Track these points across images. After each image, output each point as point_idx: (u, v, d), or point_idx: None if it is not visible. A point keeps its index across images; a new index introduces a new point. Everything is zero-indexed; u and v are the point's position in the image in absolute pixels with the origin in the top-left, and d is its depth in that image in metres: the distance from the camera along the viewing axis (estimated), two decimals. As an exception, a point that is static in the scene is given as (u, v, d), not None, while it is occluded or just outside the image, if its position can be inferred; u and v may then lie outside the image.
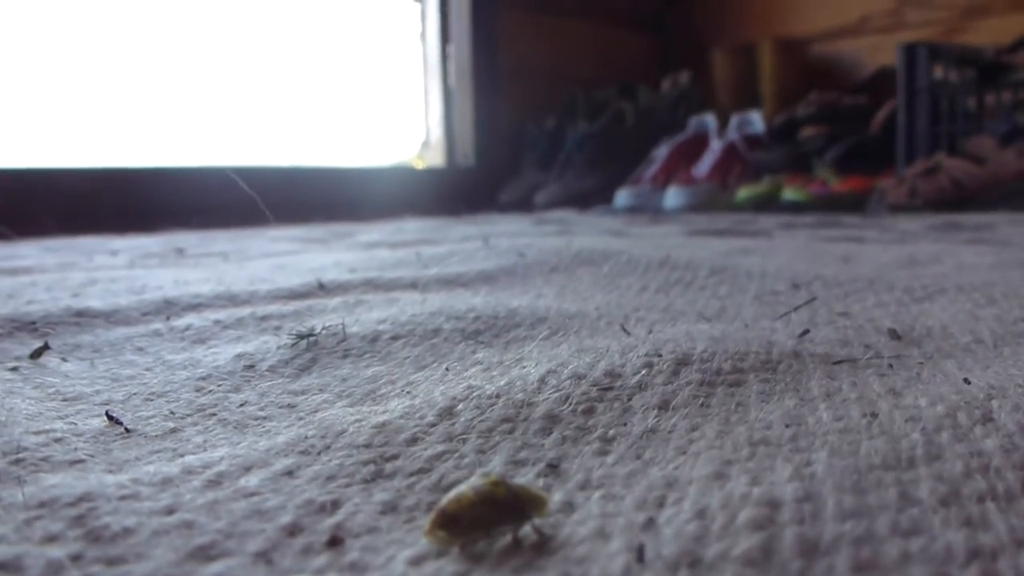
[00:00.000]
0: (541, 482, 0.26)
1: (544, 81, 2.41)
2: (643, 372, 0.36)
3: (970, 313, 0.52)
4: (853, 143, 1.82)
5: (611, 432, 0.30)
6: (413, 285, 0.67)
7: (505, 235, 1.19)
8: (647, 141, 2.15)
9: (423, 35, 2.34)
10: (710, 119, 2.09)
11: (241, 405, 0.36)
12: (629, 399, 0.33)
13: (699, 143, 2.05)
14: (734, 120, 2.06)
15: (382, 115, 2.38)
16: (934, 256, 0.83)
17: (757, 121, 2.04)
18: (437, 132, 2.36)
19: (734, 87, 2.36)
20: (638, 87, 2.30)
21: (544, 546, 0.21)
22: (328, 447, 0.29)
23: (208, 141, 1.96)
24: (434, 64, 2.31)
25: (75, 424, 0.33)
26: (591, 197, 2.08)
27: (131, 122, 1.86)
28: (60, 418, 0.34)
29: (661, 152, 2.07)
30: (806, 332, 0.46)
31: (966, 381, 0.35)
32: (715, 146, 2.00)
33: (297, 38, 2.14)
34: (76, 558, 0.21)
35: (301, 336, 0.46)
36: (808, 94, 1.98)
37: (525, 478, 0.27)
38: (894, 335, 0.46)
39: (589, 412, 0.32)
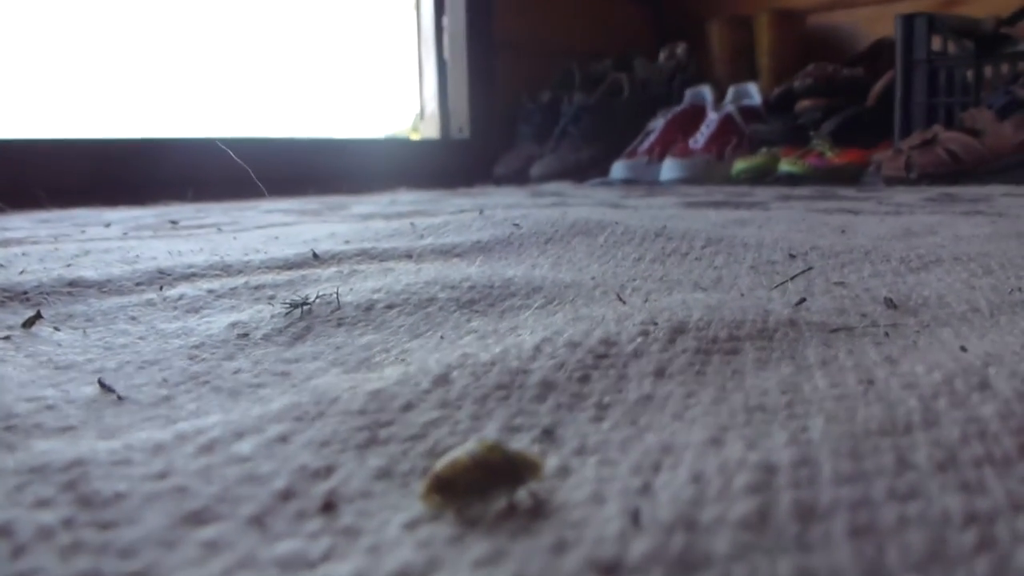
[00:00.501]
0: (536, 448, 0.26)
1: (540, 53, 2.39)
2: (639, 340, 0.36)
3: (966, 283, 0.52)
4: (850, 115, 1.82)
5: (607, 399, 0.30)
6: (408, 255, 0.67)
7: (500, 207, 1.19)
8: (643, 113, 2.14)
9: (418, 6, 2.32)
10: (707, 91, 2.08)
11: (235, 373, 0.36)
12: (625, 366, 0.33)
13: (695, 115, 2.04)
14: (731, 92, 2.05)
15: (377, 87, 2.37)
16: (930, 227, 0.83)
17: (754, 93, 2.03)
18: (432, 104, 2.34)
19: (731, 59, 2.35)
20: (634, 59, 2.29)
21: (539, 510, 0.21)
22: (322, 414, 0.28)
23: (202, 113, 1.95)
24: (429, 36, 2.30)
25: (67, 392, 0.33)
26: (587, 169, 2.07)
27: (124, 94, 1.85)
28: (52, 386, 0.34)
29: (657, 124, 2.06)
30: (802, 301, 0.46)
31: (963, 349, 0.34)
32: (711, 118, 1.99)
33: (291, 9, 2.13)
34: (67, 522, 0.21)
35: (295, 305, 0.46)
36: (805, 66, 1.97)
37: (520, 444, 0.27)
38: (890, 304, 0.46)
39: (584, 379, 0.32)
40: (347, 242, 0.73)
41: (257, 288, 0.54)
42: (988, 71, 1.73)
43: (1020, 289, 0.49)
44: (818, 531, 0.20)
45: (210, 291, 0.53)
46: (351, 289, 0.50)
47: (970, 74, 1.72)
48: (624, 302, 0.46)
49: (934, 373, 0.31)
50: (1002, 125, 1.55)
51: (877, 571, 0.18)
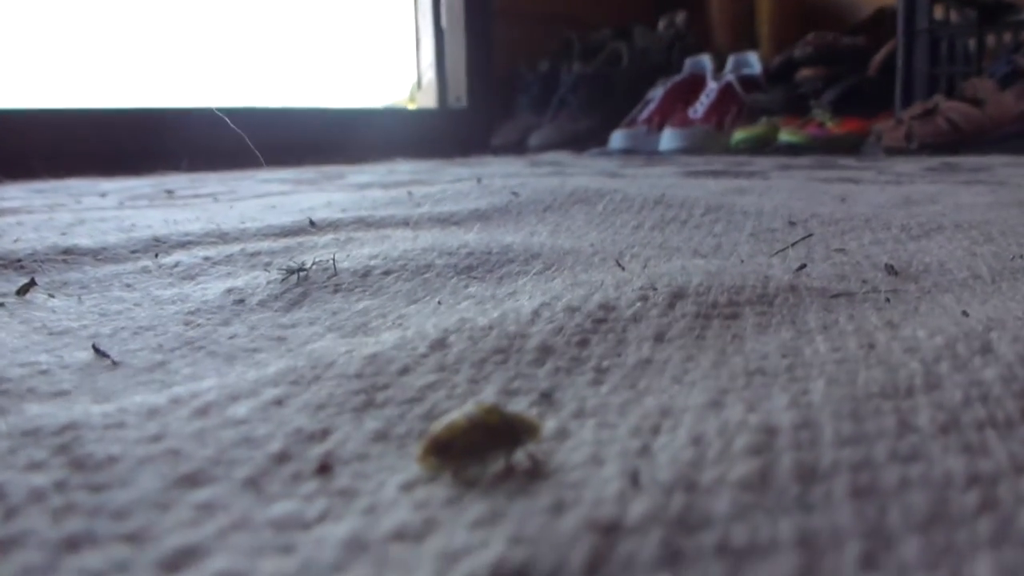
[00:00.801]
0: (535, 411, 0.26)
1: (538, 22, 2.37)
2: (638, 305, 0.36)
3: (967, 250, 0.52)
4: (851, 85, 1.80)
5: (605, 363, 0.30)
6: (405, 223, 0.67)
7: (498, 176, 1.18)
8: (642, 83, 2.13)
9: (415, -26, 2.30)
10: (706, 60, 2.06)
11: (230, 338, 0.36)
12: (624, 331, 0.33)
13: (695, 84, 2.03)
14: (730, 61, 2.03)
15: (374, 56, 2.35)
16: (931, 196, 0.83)
17: (754, 62, 2.02)
18: (429, 74, 2.33)
19: (731, 27, 2.33)
20: (633, 28, 2.27)
21: (537, 472, 0.21)
22: (318, 377, 0.28)
23: (198, 83, 1.94)
24: (426, 4, 2.28)
25: (61, 357, 0.32)
26: (586, 139, 2.06)
27: (121, 63, 1.84)
28: (46, 351, 0.33)
29: (656, 94, 2.05)
30: (803, 267, 0.45)
31: (964, 314, 0.34)
32: (711, 87, 1.98)
33: (287, -23, 2.11)
34: (60, 485, 0.20)
35: (291, 271, 0.45)
36: (806, 35, 1.95)
37: (518, 407, 0.26)
38: (891, 271, 0.45)
39: (583, 344, 0.32)
40: (344, 210, 0.73)
41: (253, 255, 0.53)
42: (990, 40, 1.72)
43: (1022, 256, 0.49)
44: (819, 492, 0.20)
45: (206, 258, 0.52)
46: (348, 256, 0.50)
47: (972, 43, 1.71)
48: (623, 268, 0.46)
49: (936, 337, 0.30)
50: (1003, 94, 1.54)
51: (879, 531, 0.18)
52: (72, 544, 0.18)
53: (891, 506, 0.19)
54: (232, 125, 0.93)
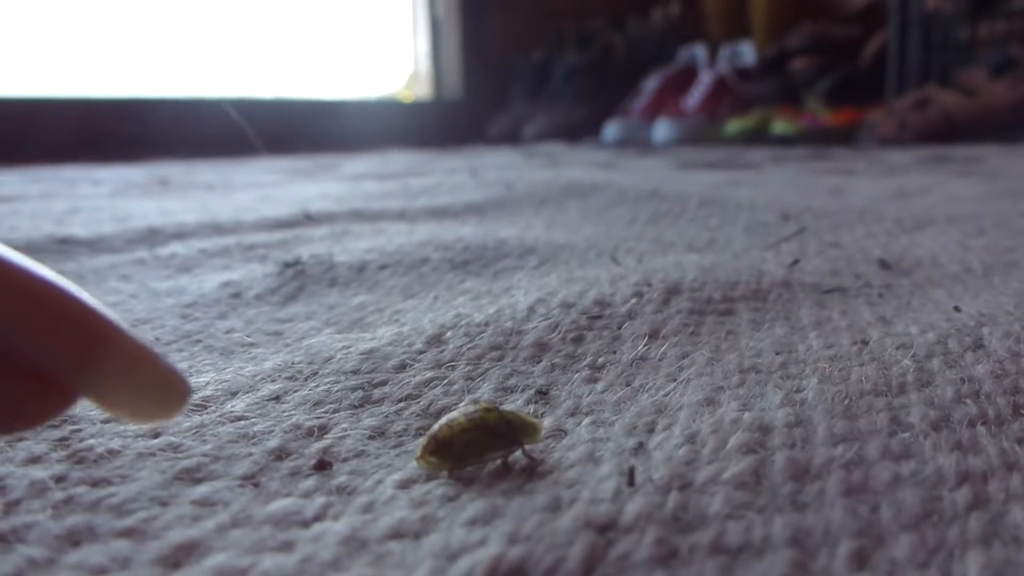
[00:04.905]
0: (531, 408, 0.26)
1: (532, 12, 2.37)
2: (633, 301, 0.36)
3: (960, 243, 0.52)
4: (844, 75, 1.80)
5: (600, 360, 0.30)
6: (400, 216, 0.67)
7: (493, 167, 1.18)
8: (636, 73, 2.13)
9: (410, -37, 2.29)
10: (700, 50, 2.07)
11: (227, 332, 0.36)
12: (619, 327, 0.33)
13: (689, 75, 2.03)
14: (724, 51, 2.03)
15: (369, 47, 2.34)
16: (923, 188, 0.83)
17: (747, 52, 2.02)
18: (424, 64, 2.32)
19: (724, 17, 2.33)
20: (627, 18, 2.27)
21: (534, 470, 0.21)
22: (316, 373, 0.28)
23: (193, 72, 1.93)
24: (421, -7, 2.27)
25: (59, 350, 0.32)
26: (580, 130, 2.06)
27: (116, 52, 1.83)
28: (43, 345, 0.33)
29: (650, 84, 2.05)
30: (796, 262, 0.45)
31: (956, 309, 0.34)
32: (705, 78, 1.98)
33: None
34: (60, 479, 0.21)
35: (288, 264, 0.45)
36: (799, 24, 1.95)
37: (514, 404, 0.26)
38: (884, 265, 0.46)
39: (578, 340, 0.32)
40: (339, 202, 0.73)
41: (249, 247, 0.53)
42: (983, 29, 1.72)
43: (1013, 249, 0.49)
44: (812, 490, 0.20)
45: (202, 250, 0.52)
46: (344, 249, 0.50)
47: (965, 32, 1.71)
48: (618, 263, 0.46)
49: (928, 333, 0.31)
50: (996, 84, 1.54)
51: (871, 529, 0.18)
52: (73, 538, 0.18)
53: (883, 504, 0.19)
54: (234, 114, 0.93)
